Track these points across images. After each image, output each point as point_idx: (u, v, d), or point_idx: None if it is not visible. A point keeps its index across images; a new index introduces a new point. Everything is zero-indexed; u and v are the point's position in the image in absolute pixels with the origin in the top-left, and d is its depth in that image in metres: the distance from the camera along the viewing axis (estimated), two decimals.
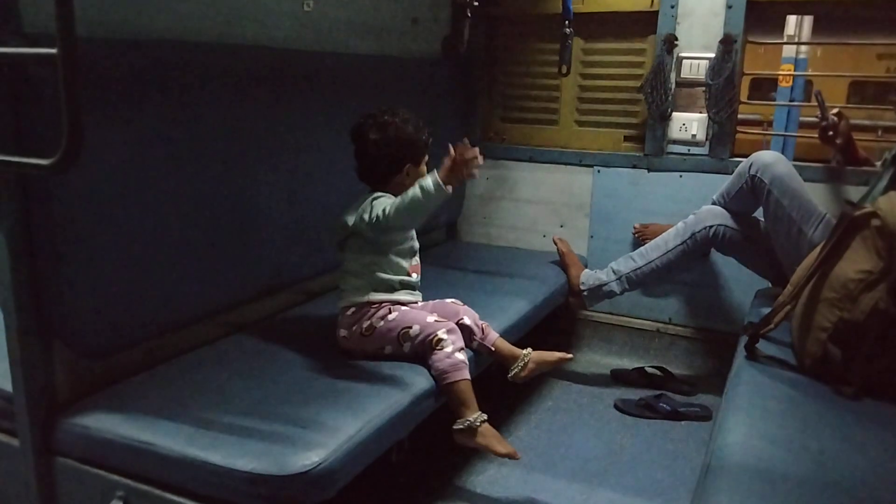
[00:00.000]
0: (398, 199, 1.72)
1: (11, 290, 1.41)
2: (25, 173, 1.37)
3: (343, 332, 1.81)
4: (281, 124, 2.01)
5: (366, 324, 1.78)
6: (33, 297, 1.44)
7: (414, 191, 1.68)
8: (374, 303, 1.81)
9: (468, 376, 1.75)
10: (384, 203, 1.74)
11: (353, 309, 1.81)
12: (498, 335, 1.95)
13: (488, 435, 1.75)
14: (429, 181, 1.66)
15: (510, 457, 1.76)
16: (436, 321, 1.78)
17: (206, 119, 1.76)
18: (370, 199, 1.78)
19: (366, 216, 1.75)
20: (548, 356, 1.96)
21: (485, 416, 1.76)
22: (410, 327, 1.76)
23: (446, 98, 2.88)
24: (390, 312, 1.80)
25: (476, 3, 2.19)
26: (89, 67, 1.37)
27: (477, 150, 1.65)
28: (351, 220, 1.79)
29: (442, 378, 1.72)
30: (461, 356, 1.75)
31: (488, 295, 2.31)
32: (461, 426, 1.73)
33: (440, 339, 1.74)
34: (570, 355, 1.98)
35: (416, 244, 1.93)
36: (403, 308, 1.83)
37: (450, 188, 1.66)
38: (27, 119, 1.37)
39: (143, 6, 1.65)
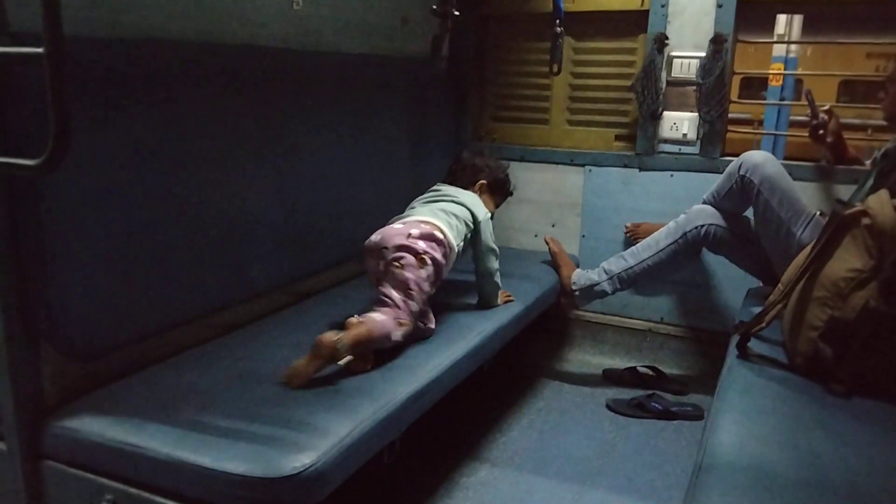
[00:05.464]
0: (496, 266, 2.19)
1: None
2: (12, 174, 1.35)
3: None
4: (270, 124, 1.99)
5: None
6: (20, 300, 1.43)
7: (495, 285, 2.21)
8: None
9: None
10: (494, 248, 2.18)
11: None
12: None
13: None
14: (497, 298, 2.23)
15: None
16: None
17: (195, 119, 1.75)
18: (487, 218, 2.17)
19: (489, 241, 2.17)
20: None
21: None
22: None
23: (437, 97, 2.87)
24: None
25: (457, 13, 2.19)
26: (76, 66, 1.35)
27: None
28: (481, 215, 2.15)
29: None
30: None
31: None
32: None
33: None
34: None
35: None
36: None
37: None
38: (13, 119, 1.35)
39: (131, 5, 1.63)
